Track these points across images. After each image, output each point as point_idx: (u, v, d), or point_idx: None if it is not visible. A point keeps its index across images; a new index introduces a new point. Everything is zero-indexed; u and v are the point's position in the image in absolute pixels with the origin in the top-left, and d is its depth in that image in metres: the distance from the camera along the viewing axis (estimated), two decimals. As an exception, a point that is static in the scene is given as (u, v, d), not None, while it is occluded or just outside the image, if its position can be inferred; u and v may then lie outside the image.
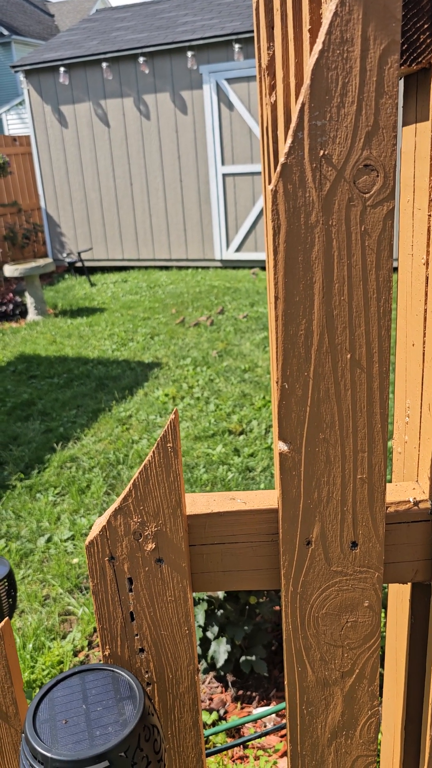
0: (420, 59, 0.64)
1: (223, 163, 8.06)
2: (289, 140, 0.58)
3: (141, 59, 7.86)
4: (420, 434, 0.77)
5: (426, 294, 0.71)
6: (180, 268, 9.00)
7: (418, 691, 0.88)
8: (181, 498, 0.71)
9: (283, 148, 0.59)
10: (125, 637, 0.77)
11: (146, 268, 9.23)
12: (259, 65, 1.65)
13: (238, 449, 3.58)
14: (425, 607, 0.81)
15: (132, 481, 0.71)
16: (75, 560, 2.69)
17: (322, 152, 0.58)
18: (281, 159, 0.59)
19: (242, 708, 1.92)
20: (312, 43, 0.91)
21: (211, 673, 2.01)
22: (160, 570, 0.74)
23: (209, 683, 1.99)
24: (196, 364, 5.06)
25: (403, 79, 0.75)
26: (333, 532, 0.71)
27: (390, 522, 0.75)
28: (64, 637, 2.26)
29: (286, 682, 0.80)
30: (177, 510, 0.72)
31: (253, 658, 1.91)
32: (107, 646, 0.78)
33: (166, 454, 0.70)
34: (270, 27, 1.40)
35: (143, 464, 0.70)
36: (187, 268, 8.95)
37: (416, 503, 0.75)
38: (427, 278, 0.70)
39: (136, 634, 0.77)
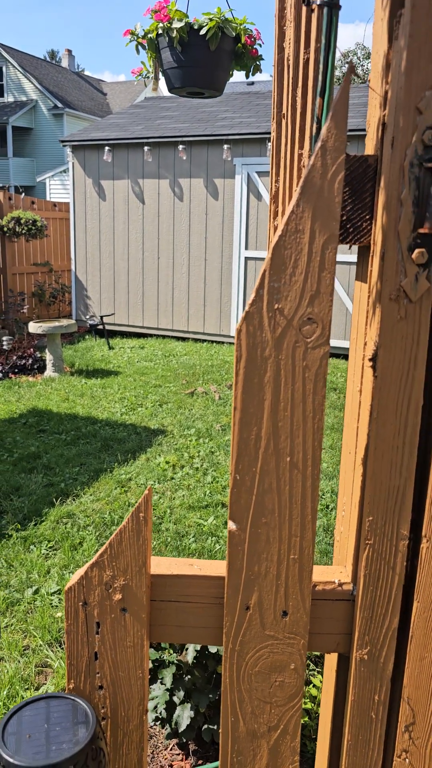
0: (362, 239, 0.85)
1: (246, 248, 8.49)
2: (253, 295, 0.78)
3: (180, 146, 8.45)
4: (350, 527, 0.93)
5: (358, 415, 0.89)
6: (196, 340, 9.32)
7: (338, 756, 1.00)
8: (147, 559, 0.87)
9: (248, 299, 0.79)
10: (88, 674, 0.92)
11: (163, 337, 9.57)
12: (269, 192, 1.91)
13: (228, 523, 3.69)
14: (345, 677, 0.95)
15: (109, 540, 0.88)
16: (59, 614, 2.78)
17: (276, 306, 0.78)
18: (246, 308, 0.78)
19: (199, 778, 1.98)
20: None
21: (174, 740, 2.07)
22: (124, 618, 0.90)
23: (171, 749, 2.06)
24: (199, 435, 5.23)
25: (358, 247, 0.95)
26: (268, 600, 0.87)
27: (317, 598, 0.90)
28: (37, 689, 2.33)
29: (221, 731, 0.93)
30: (143, 569, 0.88)
31: (215, 727, 1.98)
32: (72, 680, 0.92)
33: (138, 522, 0.86)
34: (277, 165, 1.65)
35: (119, 528, 0.87)
36: (203, 341, 9.26)
37: (341, 584, 0.90)
38: (360, 403, 0.88)
39: (98, 672, 0.92)
